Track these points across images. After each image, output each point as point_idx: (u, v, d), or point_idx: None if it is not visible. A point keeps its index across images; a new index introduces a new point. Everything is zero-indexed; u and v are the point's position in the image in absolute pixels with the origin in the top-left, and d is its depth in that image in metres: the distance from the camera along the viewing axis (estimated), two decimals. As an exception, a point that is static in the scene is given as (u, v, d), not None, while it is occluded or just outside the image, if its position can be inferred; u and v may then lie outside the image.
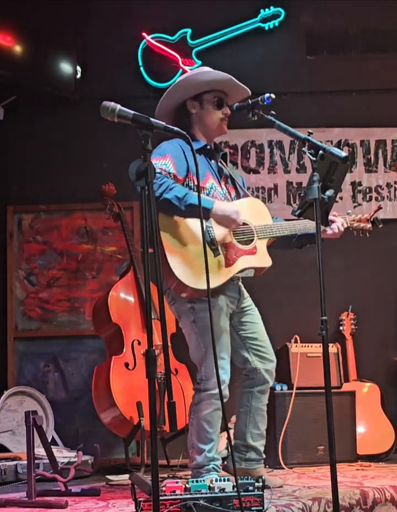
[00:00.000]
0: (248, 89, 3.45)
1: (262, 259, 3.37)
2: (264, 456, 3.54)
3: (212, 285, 3.11)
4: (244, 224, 3.34)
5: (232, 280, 3.33)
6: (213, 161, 3.47)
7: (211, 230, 3.25)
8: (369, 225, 3.68)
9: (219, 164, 3.50)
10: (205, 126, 3.44)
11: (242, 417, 3.49)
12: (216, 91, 3.43)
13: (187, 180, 3.31)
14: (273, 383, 3.57)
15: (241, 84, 3.43)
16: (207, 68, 3.50)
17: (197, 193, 3.17)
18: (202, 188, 3.29)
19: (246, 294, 3.52)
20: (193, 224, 3.24)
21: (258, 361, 3.46)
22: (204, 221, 3.20)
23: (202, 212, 3.11)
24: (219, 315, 3.30)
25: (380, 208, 3.79)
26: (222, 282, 3.25)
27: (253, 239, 3.36)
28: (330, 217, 3.41)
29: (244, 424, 3.48)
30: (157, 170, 3.16)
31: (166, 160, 3.26)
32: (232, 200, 3.46)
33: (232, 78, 3.41)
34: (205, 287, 3.02)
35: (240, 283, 3.48)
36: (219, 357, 3.26)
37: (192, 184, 3.30)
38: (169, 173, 3.24)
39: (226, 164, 3.57)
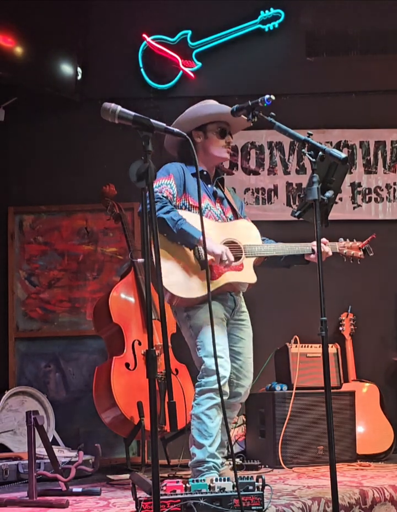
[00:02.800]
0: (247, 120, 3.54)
1: (248, 275, 3.53)
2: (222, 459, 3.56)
3: (198, 295, 3.36)
4: (233, 242, 3.51)
5: (226, 291, 3.49)
6: (209, 185, 3.65)
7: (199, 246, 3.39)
8: (361, 253, 3.76)
9: (215, 187, 3.67)
10: (208, 153, 3.63)
11: None
12: (220, 122, 3.62)
13: (182, 199, 3.51)
14: (244, 400, 3.64)
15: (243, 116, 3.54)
16: (211, 101, 3.70)
17: (189, 223, 3.36)
18: (197, 207, 3.47)
19: (243, 308, 3.65)
20: None
21: (234, 376, 3.52)
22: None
23: (191, 241, 3.35)
24: (215, 317, 3.36)
25: (373, 237, 3.82)
26: (204, 293, 3.36)
27: (241, 257, 3.50)
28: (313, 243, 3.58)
29: None
30: (164, 194, 3.42)
31: (170, 180, 3.48)
32: (228, 220, 3.64)
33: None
34: (191, 295, 3.35)
35: (239, 296, 3.62)
36: (219, 356, 3.29)
37: (187, 203, 3.51)
38: (172, 194, 3.46)
39: (224, 188, 3.74)
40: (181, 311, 3.47)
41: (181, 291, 3.35)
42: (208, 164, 3.67)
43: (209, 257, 3.36)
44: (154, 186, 3.31)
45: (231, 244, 3.49)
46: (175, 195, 3.47)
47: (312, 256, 3.61)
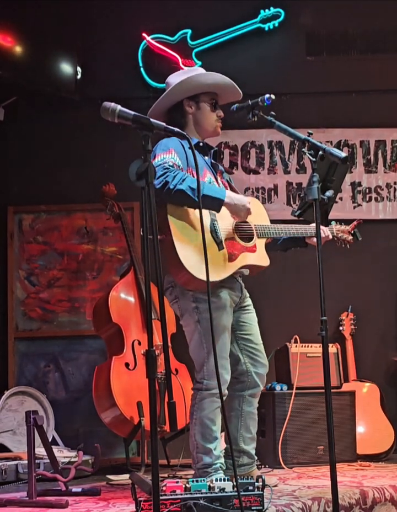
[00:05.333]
0: (241, 93, 3.53)
1: (261, 258, 3.42)
2: (256, 457, 3.54)
3: (216, 278, 3.17)
4: (245, 222, 3.38)
5: (233, 276, 3.35)
6: (206, 157, 3.51)
7: (216, 224, 3.27)
8: (350, 237, 3.76)
9: (212, 160, 3.54)
10: (201, 126, 3.49)
11: (234, 421, 3.46)
12: (212, 93, 3.49)
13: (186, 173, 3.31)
14: (263, 387, 3.55)
15: (238, 88, 3.50)
16: (201, 69, 3.57)
17: (209, 184, 3.23)
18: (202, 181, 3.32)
19: (246, 293, 3.53)
20: (207, 215, 3.27)
21: (250, 364, 3.46)
22: (210, 214, 3.25)
23: (216, 203, 3.19)
24: (224, 313, 3.32)
25: (360, 221, 3.85)
26: (225, 276, 3.26)
27: (253, 237, 3.39)
28: None
29: (236, 428, 3.46)
30: (169, 163, 3.19)
31: (172, 153, 3.26)
32: None
33: (234, 83, 3.48)
34: (212, 279, 3.06)
35: (241, 281, 3.49)
36: (222, 357, 3.28)
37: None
38: (178, 166, 3.25)
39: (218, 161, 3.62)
40: (187, 300, 3.29)
41: (200, 273, 3.11)
42: (200, 136, 3.50)
43: (223, 235, 3.26)
44: (156, 160, 3.20)
45: (242, 223, 3.36)
46: (180, 166, 3.25)
47: (314, 239, 3.51)
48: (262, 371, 3.49)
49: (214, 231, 3.24)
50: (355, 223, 3.84)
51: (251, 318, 3.52)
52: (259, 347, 3.51)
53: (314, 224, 3.43)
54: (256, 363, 3.47)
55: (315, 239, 3.43)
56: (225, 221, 3.31)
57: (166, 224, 3.16)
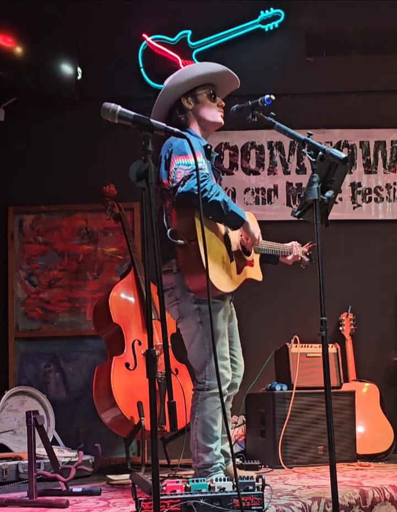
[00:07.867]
0: (238, 79, 3.48)
1: (257, 272, 3.49)
2: (230, 455, 3.50)
3: (228, 289, 3.26)
4: None
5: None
6: (209, 161, 3.48)
7: (229, 236, 3.29)
8: (307, 258, 3.77)
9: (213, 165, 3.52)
10: (203, 119, 3.44)
11: None
12: (208, 84, 3.45)
13: None
14: (238, 391, 3.55)
15: (234, 73, 3.46)
16: (196, 64, 3.59)
17: (233, 202, 3.25)
18: None
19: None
20: (222, 226, 3.30)
21: (231, 367, 3.43)
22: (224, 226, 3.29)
23: (239, 221, 3.25)
24: (225, 316, 3.34)
25: (313, 245, 3.83)
26: (236, 287, 3.32)
27: (251, 252, 3.44)
28: (292, 244, 3.67)
29: None
30: (205, 170, 3.17)
31: (200, 157, 3.22)
32: None
33: (229, 69, 3.44)
34: (225, 289, 3.20)
35: None
36: (223, 357, 3.30)
37: None
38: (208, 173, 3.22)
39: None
40: (189, 302, 3.27)
41: (219, 283, 3.16)
42: (205, 130, 3.47)
43: (233, 247, 3.28)
44: (189, 161, 3.14)
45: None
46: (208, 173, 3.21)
47: (288, 258, 3.67)
48: (239, 373, 3.51)
49: (228, 242, 3.27)
50: (309, 245, 3.84)
51: (234, 320, 3.56)
52: (238, 349, 3.54)
53: (290, 244, 3.67)
54: (234, 365, 3.48)
55: (288, 258, 3.68)
56: (234, 234, 3.34)
57: (194, 230, 3.14)
